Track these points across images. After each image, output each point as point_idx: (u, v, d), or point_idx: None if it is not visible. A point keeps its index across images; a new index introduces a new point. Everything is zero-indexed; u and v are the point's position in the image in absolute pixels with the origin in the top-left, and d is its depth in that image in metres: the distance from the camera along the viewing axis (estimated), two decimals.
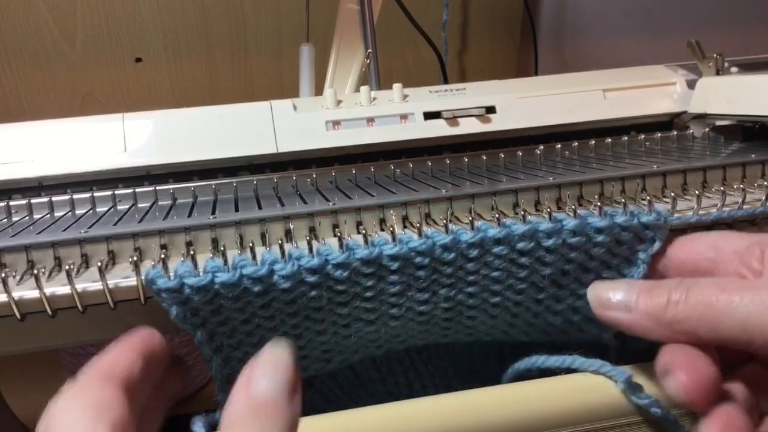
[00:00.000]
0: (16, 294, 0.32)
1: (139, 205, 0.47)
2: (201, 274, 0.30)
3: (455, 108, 0.54)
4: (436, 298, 0.34)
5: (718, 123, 0.55)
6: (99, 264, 0.32)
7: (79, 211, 0.46)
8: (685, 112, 0.57)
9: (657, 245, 0.34)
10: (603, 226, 0.33)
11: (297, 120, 0.52)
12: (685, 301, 0.27)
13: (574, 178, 0.41)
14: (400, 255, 0.32)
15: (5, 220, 0.44)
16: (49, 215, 0.45)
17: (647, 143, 0.54)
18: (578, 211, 0.34)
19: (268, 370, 0.22)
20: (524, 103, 0.56)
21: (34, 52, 0.92)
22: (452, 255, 0.33)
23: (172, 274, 0.30)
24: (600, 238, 0.34)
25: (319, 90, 0.75)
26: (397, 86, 0.55)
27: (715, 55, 0.56)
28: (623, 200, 0.38)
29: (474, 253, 0.33)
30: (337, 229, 0.38)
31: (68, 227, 0.39)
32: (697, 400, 0.26)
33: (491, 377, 0.36)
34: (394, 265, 0.32)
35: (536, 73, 1.08)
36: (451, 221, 0.36)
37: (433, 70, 0.98)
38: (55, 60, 0.93)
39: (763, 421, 0.29)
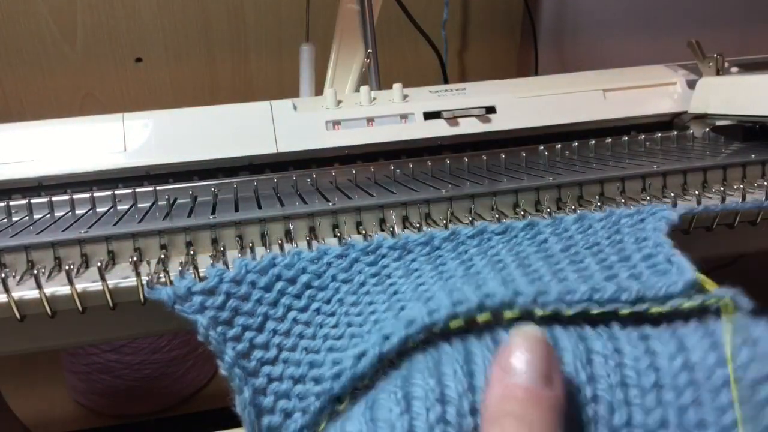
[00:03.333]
0: (16, 294, 0.32)
1: (139, 206, 0.47)
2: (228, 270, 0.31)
3: (455, 108, 0.54)
4: None
5: (718, 123, 0.55)
6: (99, 264, 0.32)
7: (79, 211, 0.46)
8: (685, 112, 0.57)
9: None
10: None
11: (297, 120, 0.52)
12: None
13: (574, 178, 0.41)
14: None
15: (5, 220, 0.44)
16: (49, 215, 0.45)
17: (647, 143, 0.54)
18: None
19: (520, 355, 0.21)
20: (524, 103, 0.56)
21: (34, 52, 0.92)
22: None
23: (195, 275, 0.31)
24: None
25: (319, 90, 0.75)
26: (397, 86, 0.55)
27: (715, 55, 0.56)
28: (623, 200, 0.38)
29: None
30: (337, 229, 0.38)
31: (68, 227, 0.39)
32: None
33: None
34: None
35: (536, 73, 1.08)
36: (451, 221, 0.36)
37: (433, 70, 0.98)
38: (55, 60, 0.93)
39: None
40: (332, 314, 0.31)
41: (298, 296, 0.31)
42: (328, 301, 0.31)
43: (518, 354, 0.21)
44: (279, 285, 0.31)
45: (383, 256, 0.32)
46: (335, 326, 0.30)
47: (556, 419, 0.20)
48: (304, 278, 0.31)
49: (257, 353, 0.29)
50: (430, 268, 0.32)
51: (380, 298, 0.30)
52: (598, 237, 0.32)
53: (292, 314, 0.30)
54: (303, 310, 0.31)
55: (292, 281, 0.31)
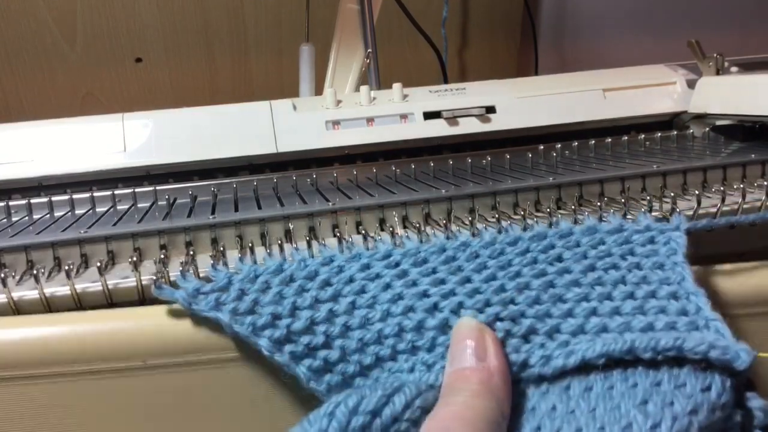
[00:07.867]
0: (16, 294, 0.32)
1: (139, 205, 0.47)
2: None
3: (455, 108, 0.54)
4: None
5: (718, 123, 0.55)
6: (98, 264, 0.32)
7: (78, 211, 0.46)
8: (685, 112, 0.57)
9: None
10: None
11: (297, 120, 0.52)
12: None
13: (574, 178, 0.41)
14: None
15: (5, 220, 0.44)
16: (48, 215, 0.45)
17: (647, 143, 0.54)
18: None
19: (460, 344, 0.27)
20: (524, 103, 0.56)
21: (34, 52, 0.91)
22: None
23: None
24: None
25: (319, 90, 0.75)
26: (397, 86, 0.55)
27: (715, 55, 0.56)
28: (623, 200, 0.38)
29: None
30: (336, 229, 0.38)
31: (68, 227, 0.39)
32: None
33: None
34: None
35: (536, 73, 1.08)
36: (452, 222, 0.36)
37: (433, 70, 0.98)
38: (55, 60, 0.92)
39: None
40: (371, 306, 0.29)
41: (322, 287, 0.30)
42: (361, 292, 0.30)
43: (459, 344, 0.27)
44: (297, 283, 0.30)
45: (398, 264, 0.31)
46: (383, 320, 0.29)
47: (499, 384, 0.25)
48: (321, 276, 0.30)
49: (304, 339, 0.28)
50: (455, 279, 0.30)
51: (420, 304, 0.29)
52: (615, 258, 0.31)
53: (326, 306, 0.29)
54: (333, 299, 0.30)
55: (310, 278, 0.30)
